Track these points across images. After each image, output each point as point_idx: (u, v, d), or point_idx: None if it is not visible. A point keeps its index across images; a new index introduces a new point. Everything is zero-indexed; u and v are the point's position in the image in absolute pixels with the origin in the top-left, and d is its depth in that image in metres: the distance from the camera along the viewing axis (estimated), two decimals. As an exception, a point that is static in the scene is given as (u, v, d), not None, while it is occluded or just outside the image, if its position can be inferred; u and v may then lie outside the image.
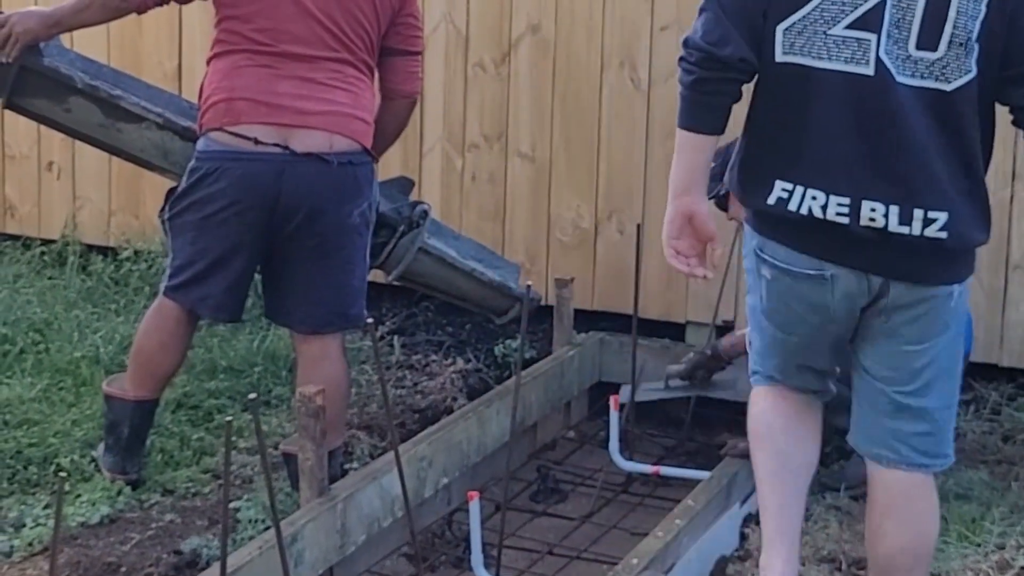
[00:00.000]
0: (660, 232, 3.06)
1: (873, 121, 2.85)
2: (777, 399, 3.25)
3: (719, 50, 2.85)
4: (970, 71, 2.82)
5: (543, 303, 5.02)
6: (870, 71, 2.82)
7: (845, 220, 2.88)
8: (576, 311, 4.94)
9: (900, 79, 2.82)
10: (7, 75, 4.04)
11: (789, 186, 2.90)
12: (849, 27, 2.80)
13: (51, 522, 3.76)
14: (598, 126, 5.15)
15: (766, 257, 3.01)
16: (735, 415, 4.75)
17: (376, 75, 4.00)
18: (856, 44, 2.82)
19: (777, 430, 3.23)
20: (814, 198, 2.88)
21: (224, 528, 2.72)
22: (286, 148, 3.75)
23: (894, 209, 2.86)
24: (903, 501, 3.07)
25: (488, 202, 5.31)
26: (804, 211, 2.89)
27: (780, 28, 2.84)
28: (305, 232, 3.80)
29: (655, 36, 5.02)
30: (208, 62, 3.90)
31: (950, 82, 2.82)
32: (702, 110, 2.91)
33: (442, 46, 5.26)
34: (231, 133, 3.77)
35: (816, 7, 2.82)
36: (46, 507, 3.88)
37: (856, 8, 2.81)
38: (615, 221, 5.14)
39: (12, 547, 3.69)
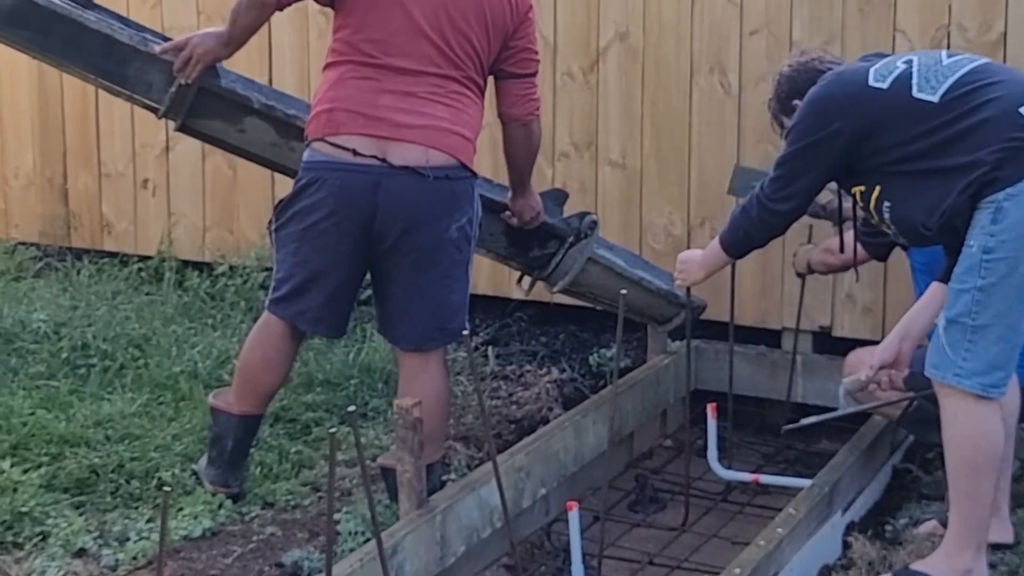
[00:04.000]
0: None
1: None
2: (999, 413, 3.43)
3: None
4: None
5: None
6: None
7: None
8: (671, 319, 4.91)
9: None
10: (185, 97, 4.04)
11: None
12: None
13: (154, 536, 3.80)
14: (688, 132, 5.12)
15: None
16: (834, 421, 4.70)
17: (485, 94, 3.96)
18: None
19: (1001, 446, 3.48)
20: None
21: (328, 540, 2.73)
22: (383, 160, 3.76)
23: None
24: None
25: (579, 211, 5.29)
26: None
27: None
28: (402, 246, 3.81)
29: (744, 40, 4.98)
30: (323, 71, 3.92)
31: None
32: None
33: (531, 56, 5.25)
34: (331, 144, 3.79)
35: None
36: (148, 521, 3.92)
37: None
38: (708, 228, 5.10)
39: (117, 561, 3.73)
